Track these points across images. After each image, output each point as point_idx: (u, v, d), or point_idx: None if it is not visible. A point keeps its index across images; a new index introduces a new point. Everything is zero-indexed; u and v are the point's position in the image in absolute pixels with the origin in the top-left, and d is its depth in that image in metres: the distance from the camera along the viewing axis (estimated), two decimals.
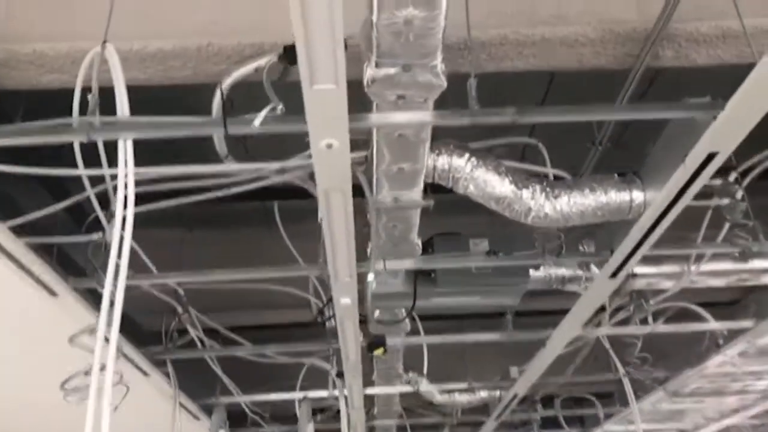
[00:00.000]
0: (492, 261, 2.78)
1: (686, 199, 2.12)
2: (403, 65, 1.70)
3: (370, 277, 1.80)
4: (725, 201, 2.74)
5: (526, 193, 2.28)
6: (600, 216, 2.32)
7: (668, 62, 2.21)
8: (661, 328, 3.59)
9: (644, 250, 2.45)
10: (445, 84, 1.76)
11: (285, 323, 4.32)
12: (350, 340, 3.24)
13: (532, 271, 3.14)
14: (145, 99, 1.97)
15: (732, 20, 2.07)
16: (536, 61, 2.18)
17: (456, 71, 2.16)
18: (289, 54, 1.42)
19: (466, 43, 2.10)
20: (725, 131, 1.80)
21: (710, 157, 1.89)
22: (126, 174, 1.64)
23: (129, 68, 2.06)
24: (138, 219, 3.51)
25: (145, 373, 3.41)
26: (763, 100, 1.66)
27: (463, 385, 4.62)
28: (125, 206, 1.62)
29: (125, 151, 1.66)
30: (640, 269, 3.17)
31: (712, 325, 3.72)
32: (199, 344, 3.78)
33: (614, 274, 2.64)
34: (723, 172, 2.85)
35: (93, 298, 2.67)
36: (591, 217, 2.32)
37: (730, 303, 4.85)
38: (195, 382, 4.49)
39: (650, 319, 3.53)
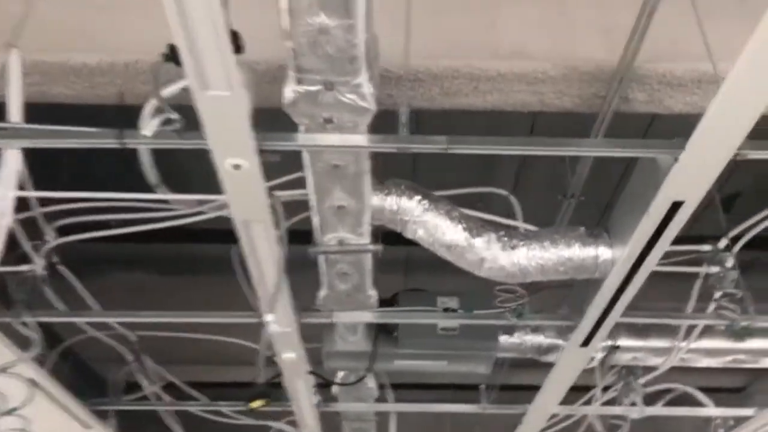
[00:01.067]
0: (452, 319, 2.54)
1: (655, 257, 1.88)
2: (324, 82, 1.54)
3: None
4: (714, 269, 2.50)
5: (479, 242, 2.06)
6: (563, 272, 2.09)
7: (641, 107, 2.03)
8: (650, 410, 3.26)
9: (616, 315, 2.19)
10: (374, 107, 1.59)
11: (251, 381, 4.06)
12: (304, 402, 2.98)
13: (504, 337, 2.90)
14: None
15: (710, 64, 1.88)
16: (493, 99, 2.01)
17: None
18: (174, 54, 1.26)
19: (417, 75, 1.95)
20: (689, 175, 1.58)
21: (675, 207, 1.67)
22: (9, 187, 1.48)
23: (54, 83, 1.95)
24: (99, 260, 3.34)
25: (86, 425, 3.17)
26: (725, 137, 1.46)
27: None
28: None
29: (11, 160, 1.50)
30: (624, 342, 2.90)
31: (710, 411, 3.39)
32: (157, 397, 3.53)
33: (585, 343, 2.38)
34: (714, 239, 2.63)
35: (11, 333, 2.48)
36: (552, 273, 2.09)
37: (737, 390, 4.49)
38: None
39: (639, 400, 3.21)
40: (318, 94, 1.55)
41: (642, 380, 3.19)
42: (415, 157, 2.93)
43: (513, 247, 2.06)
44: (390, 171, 2.29)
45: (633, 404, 3.24)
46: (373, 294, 2.49)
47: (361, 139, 1.60)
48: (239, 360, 3.71)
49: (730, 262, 2.45)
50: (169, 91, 1.62)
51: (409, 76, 1.93)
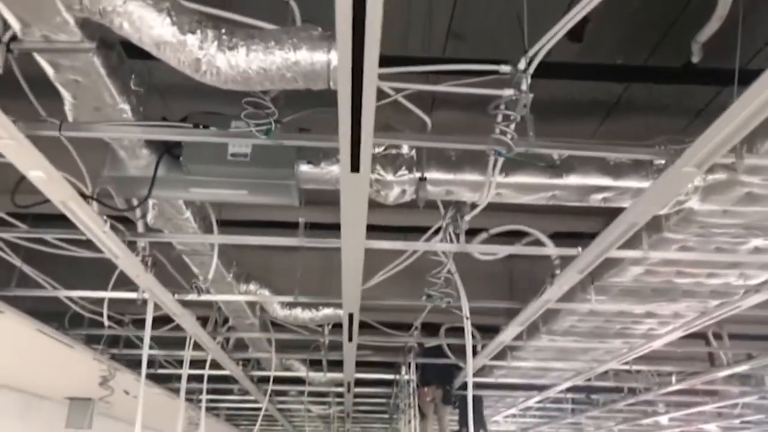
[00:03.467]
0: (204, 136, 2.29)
1: (372, 59, 1.61)
2: None
3: None
4: (508, 92, 2.25)
5: (192, 40, 1.76)
6: (291, 79, 1.82)
7: None
8: (473, 247, 3.15)
9: (368, 134, 1.95)
10: None
11: None
12: (95, 230, 2.78)
13: (307, 167, 2.68)
14: None
15: None
16: None
17: None
18: None
19: None
20: None
21: None
22: None
23: None
24: None
25: None
26: None
27: (289, 298, 4.21)
28: None
29: None
30: (434, 175, 2.70)
31: (545, 250, 3.29)
32: None
33: (355, 168, 2.15)
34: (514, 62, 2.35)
35: None
36: (279, 80, 1.82)
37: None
38: None
39: (462, 237, 3.08)
40: None
41: (467, 216, 3.04)
42: None
43: (232, 48, 1.77)
44: None
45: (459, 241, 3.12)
46: (125, 108, 2.22)
47: None
48: None
49: (524, 85, 2.20)
50: None
51: None
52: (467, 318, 3.57)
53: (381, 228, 3.74)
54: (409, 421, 6.34)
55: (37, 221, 3.72)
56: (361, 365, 6.91)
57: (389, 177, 2.67)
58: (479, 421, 8.19)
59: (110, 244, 2.93)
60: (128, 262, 3.19)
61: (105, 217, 2.77)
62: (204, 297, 3.81)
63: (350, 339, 4.80)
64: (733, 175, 2.56)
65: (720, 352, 5.95)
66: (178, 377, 7.03)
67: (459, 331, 5.73)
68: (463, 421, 8.22)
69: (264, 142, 2.30)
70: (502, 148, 2.19)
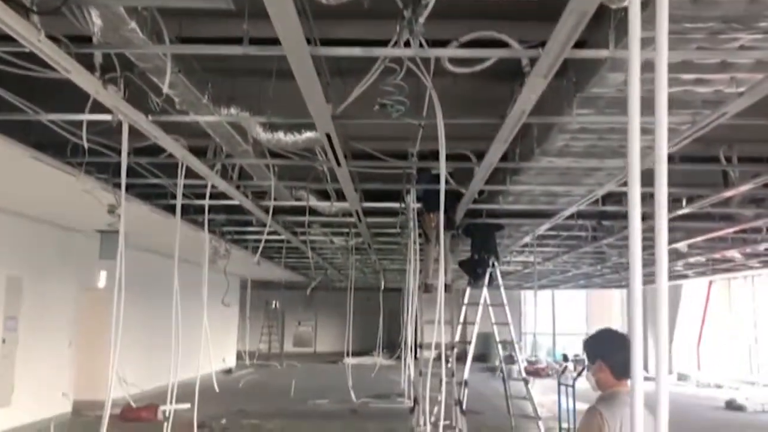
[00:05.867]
0: None
1: None
2: None
3: None
4: None
5: None
6: None
7: None
8: (432, 52, 2.98)
9: None
10: None
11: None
12: (30, 39, 2.71)
13: None
14: None
15: None
16: None
17: None
18: None
19: None
20: None
21: None
22: None
23: None
24: None
25: None
26: None
27: (262, 119, 4.16)
28: None
29: None
30: None
31: (513, 52, 3.10)
32: None
33: None
34: None
35: None
36: None
37: None
38: None
39: (421, 40, 2.91)
40: None
41: (422, 18, 2.85)
42: None
43: None
44: None
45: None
46: None
47: None
48: None
49: None
50: None
51: None
52: (441, 134, 3.48)
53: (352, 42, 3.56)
54: (414, 243, 6.50)
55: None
56: (370, 196, 6.98)
57: None
58: (491, 247, 8.35)
59: (55, 56, 2.88)
60: (82, 78, 3.15)
61: (39, 26, 2.69)
62: (176, 117, 3.79)
63: (338, 163, 4.78)
64: None
65: (729, 171, 5.78)
66: (197, 209, 7.25)
67: (459, 158, 5.66)
68: (474, 249, 8.42)
69: None
70: None
